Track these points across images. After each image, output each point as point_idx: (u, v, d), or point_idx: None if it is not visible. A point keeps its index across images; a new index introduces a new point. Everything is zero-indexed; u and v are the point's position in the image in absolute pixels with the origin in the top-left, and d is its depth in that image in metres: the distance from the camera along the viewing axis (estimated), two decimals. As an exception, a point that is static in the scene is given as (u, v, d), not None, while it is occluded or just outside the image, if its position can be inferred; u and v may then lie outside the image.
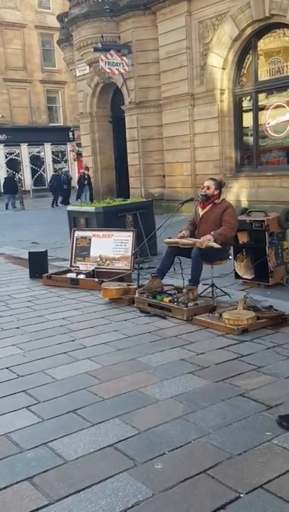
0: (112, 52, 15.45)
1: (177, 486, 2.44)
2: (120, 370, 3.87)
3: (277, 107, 13.15)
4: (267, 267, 5.95)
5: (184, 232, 5.63)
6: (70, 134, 33.99)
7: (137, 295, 5.62)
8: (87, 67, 17.83)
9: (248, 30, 12.98)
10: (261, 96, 13.56)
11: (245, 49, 13.45)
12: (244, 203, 12.28)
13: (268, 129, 13.35)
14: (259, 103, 13.55)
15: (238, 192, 13.06)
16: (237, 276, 6.25)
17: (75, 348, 4.42)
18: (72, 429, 3.03)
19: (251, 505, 2.28)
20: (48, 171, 33.26)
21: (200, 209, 5.68)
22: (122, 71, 15.75)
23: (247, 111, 13.93)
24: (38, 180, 33.44)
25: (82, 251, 7.29)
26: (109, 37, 16.12)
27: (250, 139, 13.89)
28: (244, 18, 12.78)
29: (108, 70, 15.73)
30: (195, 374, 3.75)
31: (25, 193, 25.90)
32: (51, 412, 3.27)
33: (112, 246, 7.02)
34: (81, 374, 3.85)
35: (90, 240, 7.27)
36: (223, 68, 13.64)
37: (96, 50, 15.70)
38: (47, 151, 33.87)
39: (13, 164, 32.41)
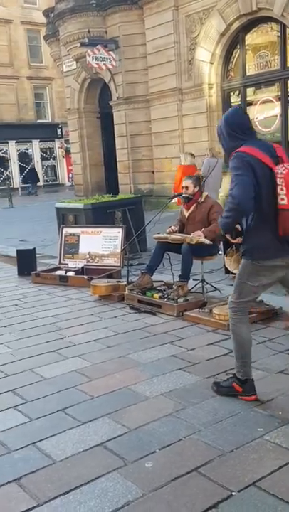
0: (99, 47, 15.31)
1: (168, 485, 2.39)
2: (110, 368, 3.82)
3: (266, 101, 13.11)
4: (257, 262, 5.90)
5: (172, 227, 5.57)
6: (59, 130, 33.68)
7: (126, 292, 5.56)
8: (74, 62, 17.67)
9: (236, 25, 12.90)
10: (249, 90, 13.51)
11: (233, 43, 13.39)
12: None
13: (256, 123, 13.32)
14: (247, 98, 13.50)
15: (228, 187, 13.01)
16: (227, 271, 6.20)
17: (64, 346, 4.36)
18: (60, 428, 2.98)
19: (243, 503, 2.23)
20: (37, 169, 32.91)
21: (185, 210, 5.63)
22: (110, 66, 15.62)
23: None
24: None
25: (71, 248, 7.21)
26: (96, 32, 15.97)
27: (239, 134, 13.85)
28: (231, 12, 12.71)
29: (95, 66, 15.59)
30: (185, 370, 3.70)
31: (13, 191, 25.65)
32: (39, 411, 3.21)
33: (101, 243, 6.96)
34: (70, 372, 3.80)
35: (78, 236, 7.19)
36: (211, 63, 13.57)
37: (83, 45, 15.55)
38: (35, 148, 33.54)
39: (1, 161, 32.09)
